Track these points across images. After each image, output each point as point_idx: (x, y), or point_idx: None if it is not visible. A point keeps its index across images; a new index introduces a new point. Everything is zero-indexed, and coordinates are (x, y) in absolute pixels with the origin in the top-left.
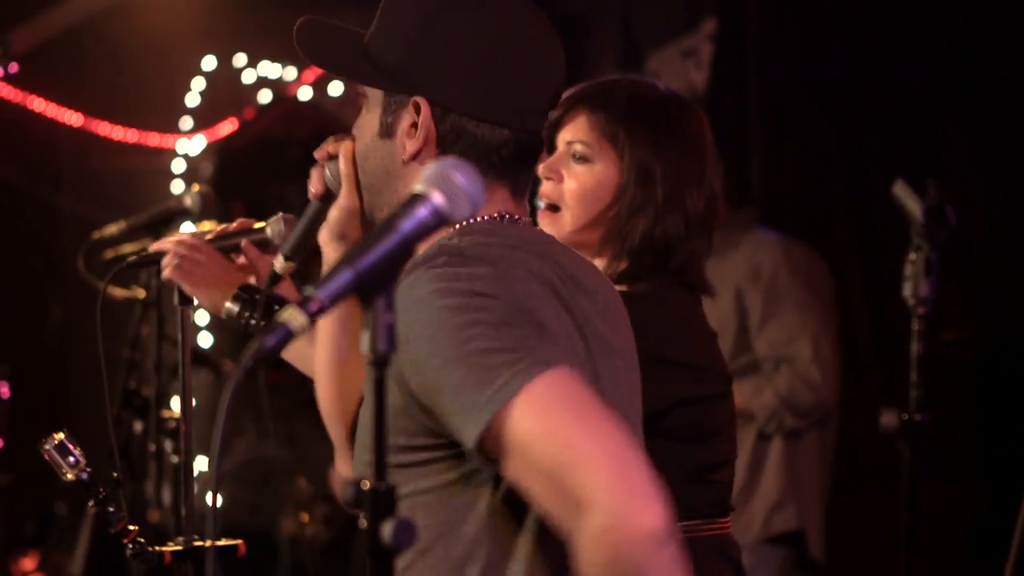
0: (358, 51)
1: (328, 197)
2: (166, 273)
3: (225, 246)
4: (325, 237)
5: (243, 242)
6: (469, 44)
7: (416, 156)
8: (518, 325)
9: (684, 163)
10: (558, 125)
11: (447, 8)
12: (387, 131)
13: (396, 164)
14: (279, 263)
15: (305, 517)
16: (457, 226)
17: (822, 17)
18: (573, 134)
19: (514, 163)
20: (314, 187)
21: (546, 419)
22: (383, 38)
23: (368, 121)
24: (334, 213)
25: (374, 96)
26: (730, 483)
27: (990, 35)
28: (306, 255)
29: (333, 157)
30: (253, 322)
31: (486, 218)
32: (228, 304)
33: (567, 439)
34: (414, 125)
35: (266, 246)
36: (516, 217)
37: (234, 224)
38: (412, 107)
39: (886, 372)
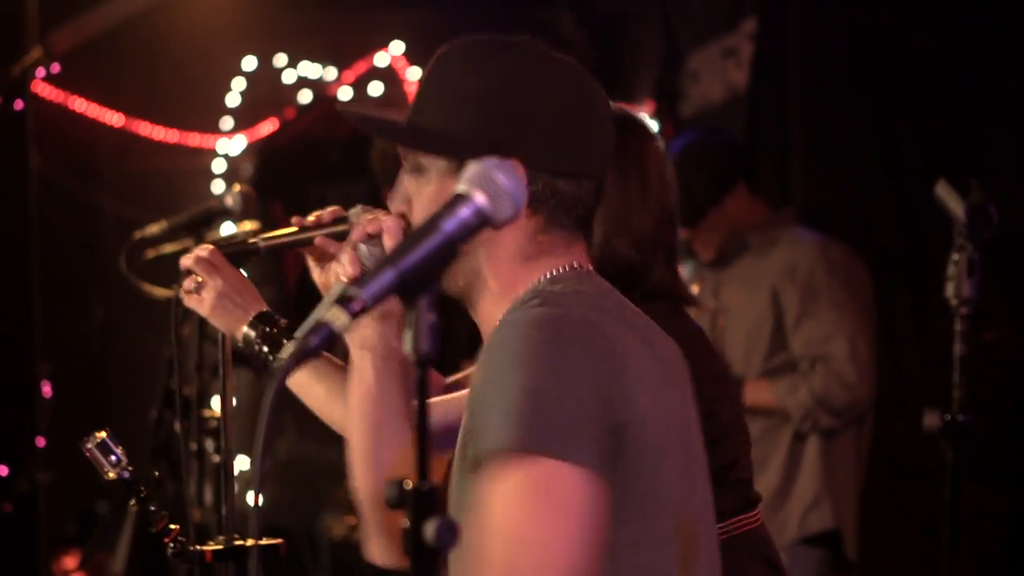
0: (411, 126)
1: None
2: (185, 301)
3: (302, 240)
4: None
5: (318, 239)
6: (549, 105)
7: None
8: (574, 393)
9: (623, 185)
10: None
11: (520, 74)
12: None
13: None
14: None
15: (353, 520)
16: (547, 274)
17: (863, 16)
18: None
19: (589, 215)
20: (350, 271)
21: (520, 504)
22: (448, 111)
23: (432, 192)
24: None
25: (434, 167)
26: (750, 473)
27: None
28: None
29: (373, 237)
30: (267, 353)
31: (567, 268)
32: (245, 329)
33: (520, 539)
34: None
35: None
36: (590, 269)
37: (311, 218)
38: None
39: (928, 373)
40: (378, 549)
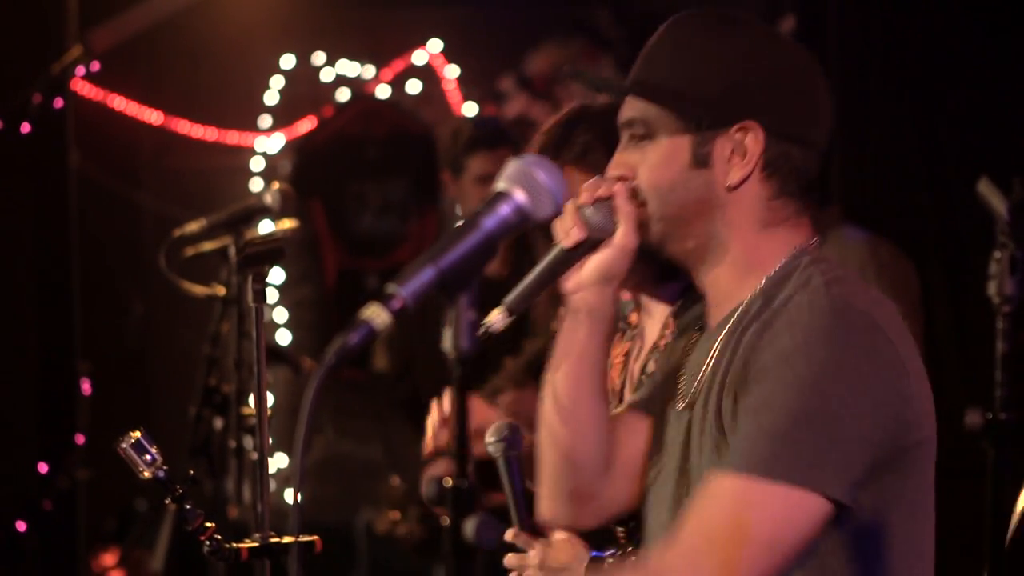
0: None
1: (585, 244)
2: None
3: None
4: (588, 279)
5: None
6: (786, 73)
7: (743, 182)
8: (856, 417)
9: None
10: None
11: (760, 42)
12: (702, 161)
13: (715, 193)
14: (498, 316)
15: (396, 515)
16: (794, 248)
17: (903, 13)
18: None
19: (813, 186)
20: (575, 235)
21: (750, 527)
22: (691, 75)
23: (664, 153)
24: (608, 253)
25: (666, 127)
26: None
27: None
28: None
29: (599, 200)
30: None
31: (809, 243)
32: None
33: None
34: (736, 152)
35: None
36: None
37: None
38: (736, 134)
39: (969, 371)
40: (557, 507)
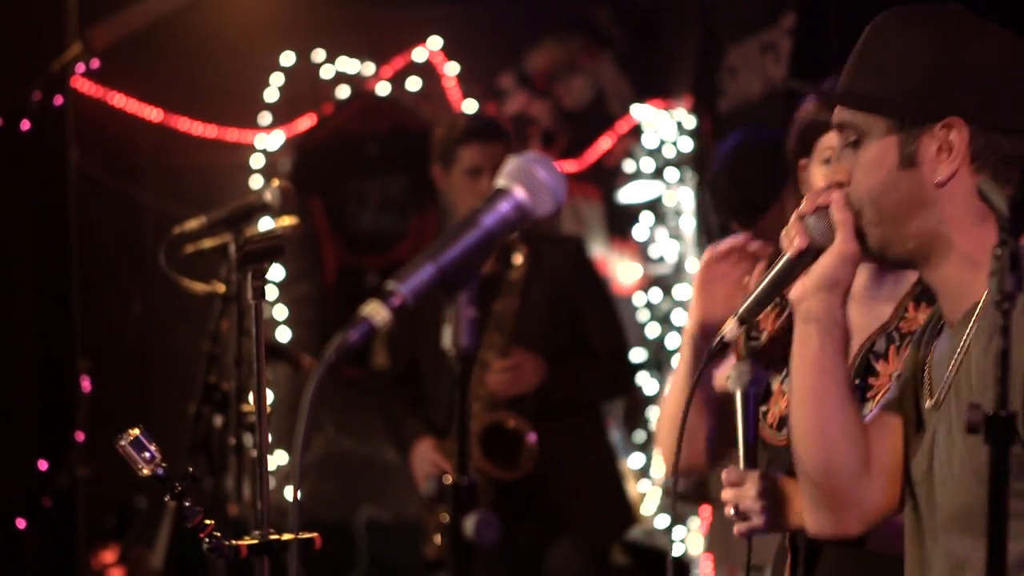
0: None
1: (809, 252)
2: None
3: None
4: (812, 288)
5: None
6: (988, 63)
7: (951, 178)
8: None
9: None
10: None
11: (958, 34)
12: (910, 160)
13: (926, 191)
14: (732, 327)
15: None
16: None
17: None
18: None
19: None
20: (798, 243)
21: None
22: (890, 74)
23: (874, 157)
24: (828, 261)
25: (875, 131)
26: None
27: None
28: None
29: (820, 209)
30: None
31: None
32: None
33: None
34: (943, 149)
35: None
36: None
37: (793, 251)
38: (941, 130)
39: None
40: (820, 518)
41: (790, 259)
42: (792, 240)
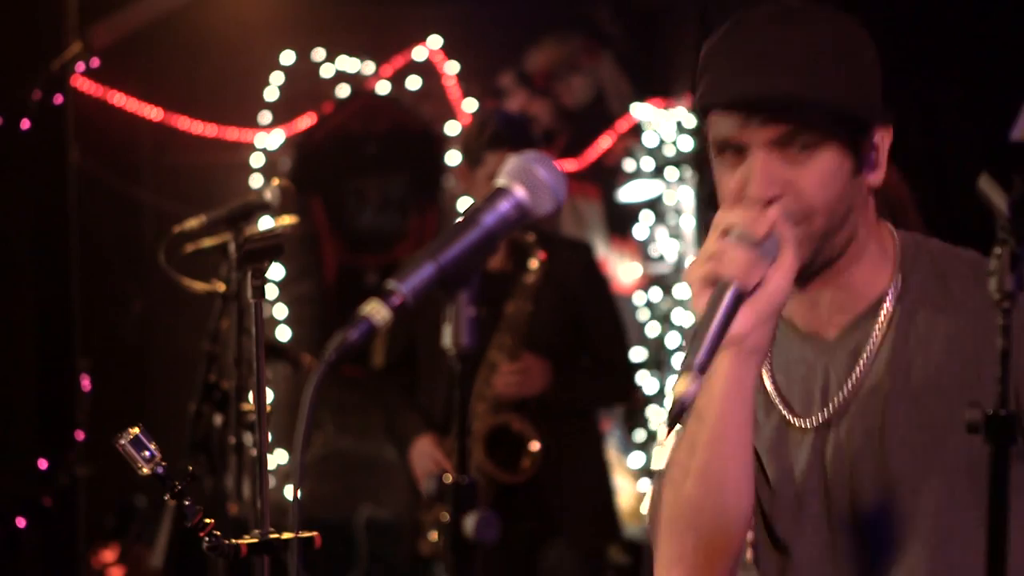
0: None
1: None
2: None
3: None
4: (764, 315)
5: None
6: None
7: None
8: None
9: None
10: None
11: (865, 33)
12: (859, 167)
13: (863, 195)
14: (691, 383)
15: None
16: (892, 228)
17: (905, 11)
18: None
19: None
20: (756, 274)
21: None
22: (859, 82)
23: (831, 166)
24: (779, 283)
25: (832, 137)
26: None
27: None
28: None
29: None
30: None
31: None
32: None
33: None
34: (880, 152)
35: None
36: None
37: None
38: (879, 137)
39: None
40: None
41: (741, 292)
42: (744, 270)
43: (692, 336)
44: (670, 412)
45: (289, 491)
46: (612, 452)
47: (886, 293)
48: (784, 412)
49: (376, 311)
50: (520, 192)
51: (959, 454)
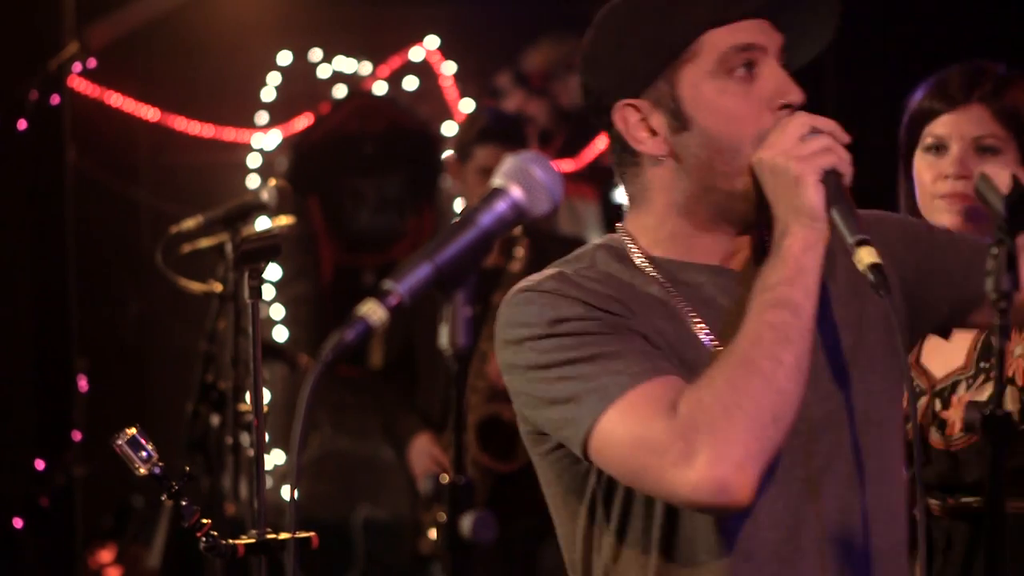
0: None
1: None
2: None
3: None
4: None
5: None
6: None
7: None
8: None
9: None
10: None
11: None
12: None
13: None
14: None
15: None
16: None
17: (898, 14)
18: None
19: None
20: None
21: None
22: None
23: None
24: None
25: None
26: None
27: None
28: None
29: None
30: None
31: None
32: None
33: None
34: None
35: None
36: None
37: None
38: None
39: None
40: (736, 475)
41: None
42: (849, 165)
43: (843, 214)
44: (879, 277)
45: (286, 491)
46: None
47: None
48: (716, 343)
49: (373, 311)
50: (516, 192)
51: (877, 348)
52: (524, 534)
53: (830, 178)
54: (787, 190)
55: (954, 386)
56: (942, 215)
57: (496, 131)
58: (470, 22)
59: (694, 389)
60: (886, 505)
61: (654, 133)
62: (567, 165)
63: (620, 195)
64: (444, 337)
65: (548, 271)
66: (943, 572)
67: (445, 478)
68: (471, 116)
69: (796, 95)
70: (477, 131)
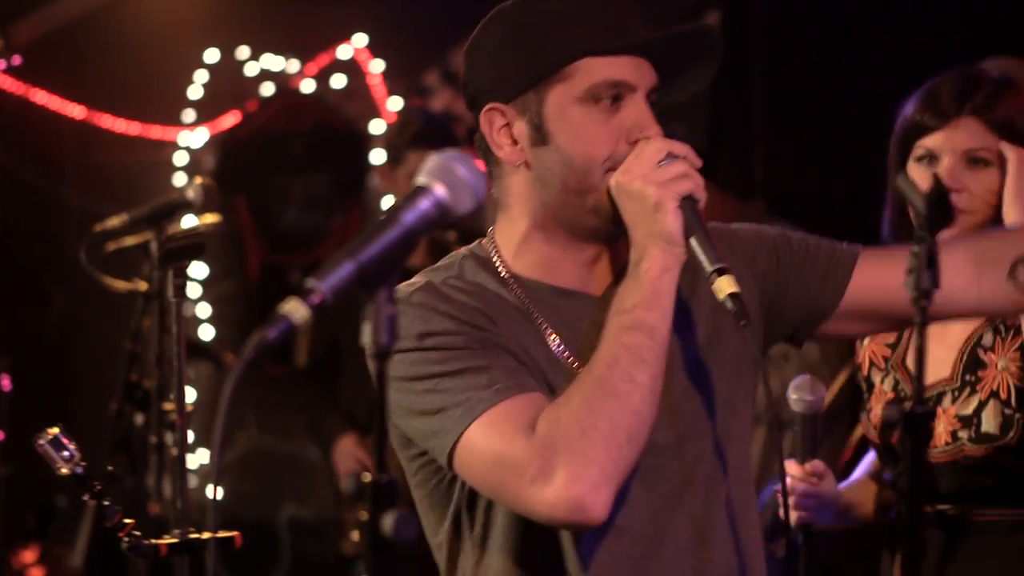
0: None
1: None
2: None
3: None
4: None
5: None
6: None
7: None
8: None
9: None
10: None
11: None
12: None
13: None
14: (730, 281)
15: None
16: None
17: (827, 7)
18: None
19: None
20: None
21: None
22: None
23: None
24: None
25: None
26: None
27: (995, 28)
28: None
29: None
30: None
31: None
32: None
33: None
34: None
35: None
36: None
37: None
38: None
39: None
40: (591, 494)
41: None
42: (704, 190)
43: (702, 242)
44: (738, 306)
45: (211, 490)
46: None
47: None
48: (574, 363)
49: (295, 310)
50: (440, 190)
51: (729, 363)
52: None
53: (687, 204)
54: (646, 215)
55: (939, 397)
56: None
57: (428, 135)
58: (398, 20)
59: (552, 408)
60: (744, 517)
61: (515, 142)
62: None
63: None
64: (366, 335)
65: (416, 280)
66: None
67: (367, 477)
68: (402, 120)
69: (654, 132)
70: (409, 135)
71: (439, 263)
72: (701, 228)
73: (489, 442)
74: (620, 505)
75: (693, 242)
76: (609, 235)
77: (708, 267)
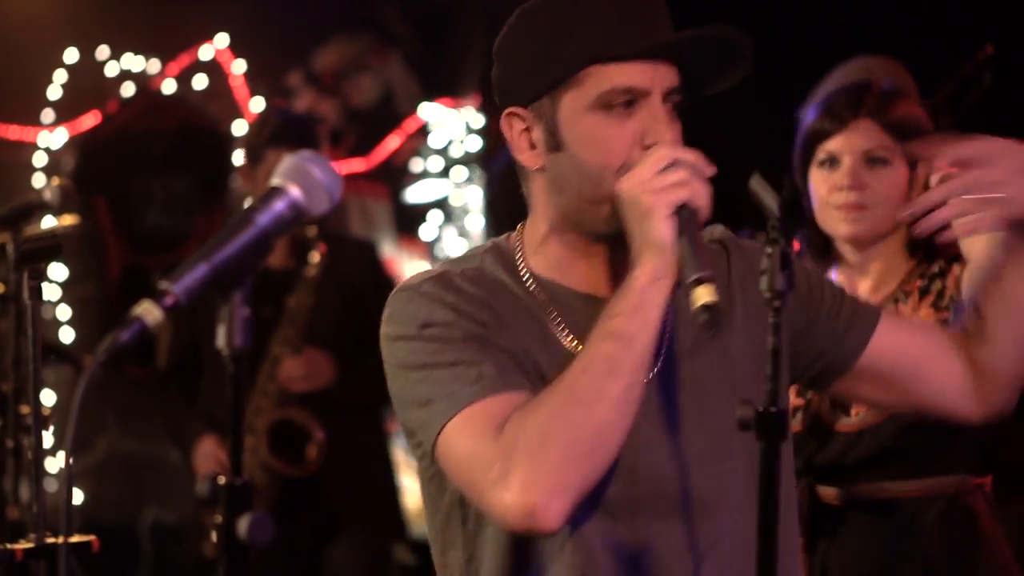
0: None
1: None
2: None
3: None
4: None
5: None
6: None
7: None
8: None
9: None
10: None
11: None
12: None
13: None
14: (709, 292)
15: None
16: None
17: (682, 14)
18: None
19: None
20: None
21: None
22: None
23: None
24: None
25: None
26: None
27: (923, 29)
28: None
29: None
30: None
31: None
32: None
33: None
34: None
35: None
36: None
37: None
38: None
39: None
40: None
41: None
42: (706, 200)
43: (689, 252)
44: (711, 318)
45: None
46: (399, 452)
47: None
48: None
49: (148, 312)
50: (295, 192)
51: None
52: (309, 535)
53: (682, 212)
54: (640, 222)
55: None
56: (838, 224)
57: (286, 133)
58: (261, 20)
59: (521, 412)
60: (742, 536)
61: (533, 146)
62: (358, 165)
63: (411, 195)
64: (221, 337)
65: (436, 269)
66: (835, 559)
67: (222, 479)
68: (260, 119)
69: (668, 137)
70: (267, 134)
71: (465, 252)
72: (691, 237)
73: (464, 438)
74: (603, 515)
75: (679, 249)
76: (623, 241)
77: (688, 276)
